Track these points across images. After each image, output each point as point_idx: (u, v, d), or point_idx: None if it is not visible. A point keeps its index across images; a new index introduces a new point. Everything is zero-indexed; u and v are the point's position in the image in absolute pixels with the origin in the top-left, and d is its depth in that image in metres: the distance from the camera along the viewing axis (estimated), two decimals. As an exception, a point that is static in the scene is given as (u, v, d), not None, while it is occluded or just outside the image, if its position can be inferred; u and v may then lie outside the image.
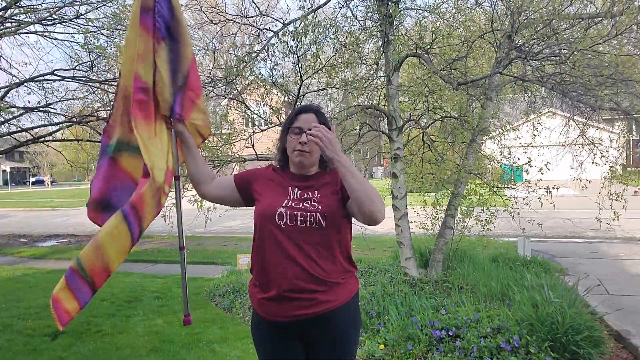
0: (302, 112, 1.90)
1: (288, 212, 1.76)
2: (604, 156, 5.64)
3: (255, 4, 5.75)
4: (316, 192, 1.83)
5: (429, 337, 3.74)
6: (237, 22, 6.09)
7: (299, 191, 1.84)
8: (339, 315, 1.79)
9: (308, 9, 5.11)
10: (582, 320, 3.59)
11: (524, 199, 5.16)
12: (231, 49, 5.91)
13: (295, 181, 1.88)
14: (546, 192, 5.03)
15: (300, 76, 5.16)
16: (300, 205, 1.78)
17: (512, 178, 6.09)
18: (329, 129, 1.92)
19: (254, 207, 1.91)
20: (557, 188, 5.08)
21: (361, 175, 1.67)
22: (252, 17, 5.96)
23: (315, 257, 1.75)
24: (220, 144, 5.56)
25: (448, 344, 3.66)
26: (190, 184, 2.20)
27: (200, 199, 4.85)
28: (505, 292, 4.63)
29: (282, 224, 1.76)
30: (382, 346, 3.76)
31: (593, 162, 5.60)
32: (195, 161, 2.05)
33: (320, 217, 1.75)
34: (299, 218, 1.76)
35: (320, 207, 1.77)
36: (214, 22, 6.06)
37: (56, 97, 6.61)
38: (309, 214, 1.76)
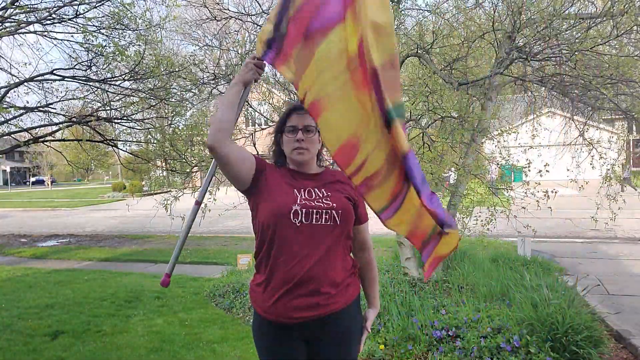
0: (293, 111, 1.89)
1: (303, 210, 1.72)
2: (602, 157, 5.63)
3: (257, 2, 5.75)
4: (323, 190, 1.82)
5: (429, 337, 3.74)
6: (240, 20, 6.08)
7: (305, 191, 1.80)
8: (342, 316, 1.78)
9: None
10: (582, 320, 3.59)
11: (521, 199, 5.15)
12: (232, 47, 5.91)
13: (299, 180, 1.84)
14: (544, 195, 5.02)
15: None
16: (314, 203, 1.75)
17: (512, 179, 6.06)
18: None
19: (254, 206, 1.83)
20: (556, 192, 5.06)
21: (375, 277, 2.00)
22: (253, 14, 5.96)
23: (327, 256, 1.73)
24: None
25: (448, 344, 3.66)
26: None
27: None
28: (505, 292, 4.63)
29: (297, 222, 1.71)
30: (382, 346, 3.76)
31: (591, 164, 5.59)
32: (236, 113, 1.85)
33: (335, 214, 1.74)
34: (314, 215, 1.73)
35: (334, 204, 1.76)
36: (217, 19, 6.05)
37: (56, 97, 6.58)
38: (323, 211, 1.73)
